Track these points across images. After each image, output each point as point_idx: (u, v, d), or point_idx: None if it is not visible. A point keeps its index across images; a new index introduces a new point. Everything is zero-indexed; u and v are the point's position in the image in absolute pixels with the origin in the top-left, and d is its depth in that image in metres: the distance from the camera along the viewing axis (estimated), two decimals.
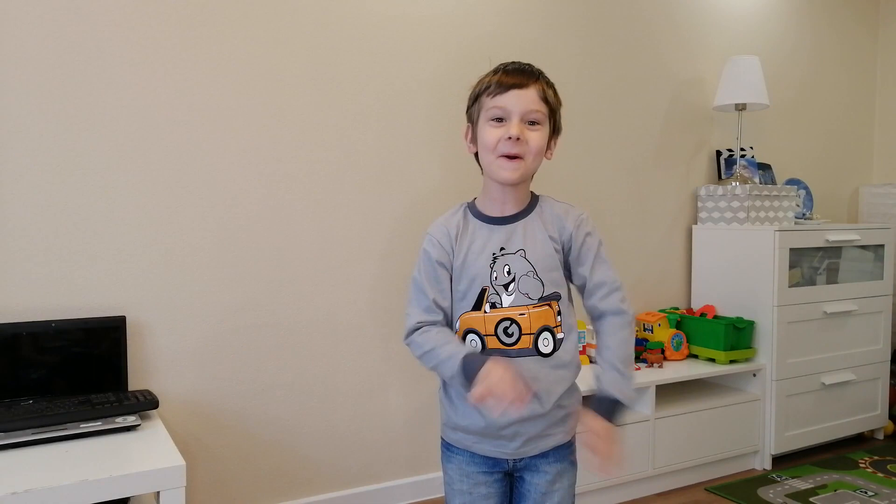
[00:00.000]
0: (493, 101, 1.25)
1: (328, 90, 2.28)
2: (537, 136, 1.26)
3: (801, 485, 2.63)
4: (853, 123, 3.69)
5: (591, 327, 2.73)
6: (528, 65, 1.31)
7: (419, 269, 1.33)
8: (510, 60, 1.32)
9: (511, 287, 1.27)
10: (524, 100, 1.24)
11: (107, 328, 1.92)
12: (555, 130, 1.33)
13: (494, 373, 1.15)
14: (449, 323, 1.32)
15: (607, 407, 1.23)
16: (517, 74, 1.26)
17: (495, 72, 1.29)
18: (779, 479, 2.69)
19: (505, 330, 1.26)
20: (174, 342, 2.07)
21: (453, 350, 1.22)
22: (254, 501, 2.22)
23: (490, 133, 1.25)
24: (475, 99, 1.31)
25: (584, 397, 1.38)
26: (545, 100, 1.27)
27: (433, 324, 1.29)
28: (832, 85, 3.58)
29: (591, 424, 1.21)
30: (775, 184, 3.27)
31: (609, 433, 1.20)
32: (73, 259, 1.94)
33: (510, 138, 1.23)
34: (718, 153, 3.17)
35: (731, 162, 3.13)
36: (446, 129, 2.46)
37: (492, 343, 1.27)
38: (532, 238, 1.30)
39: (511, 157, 1.25)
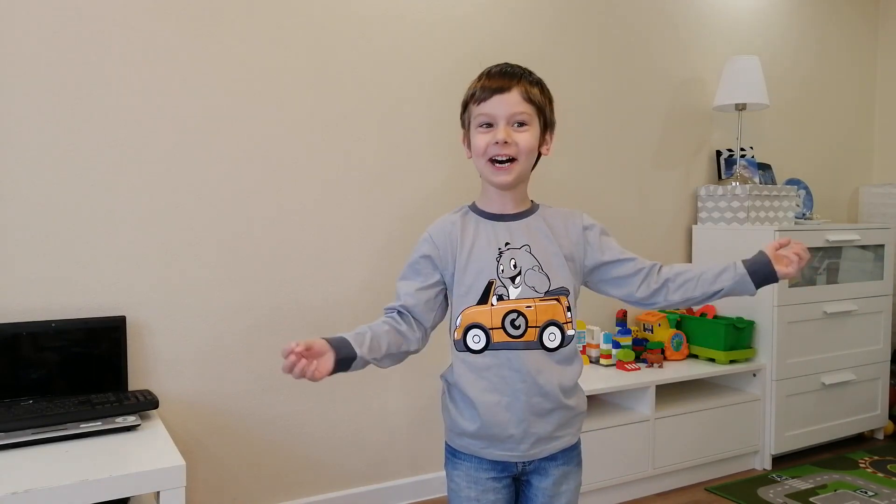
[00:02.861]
0: (479, 109, 1.27)
1: (330, 91, 2.28)
2: (526, 137, 1.27)
3: (801, 485, 2.63)
4: (853, 123, 3.69)
5: (591, 327, 2.75)
6: (511, 66, 1.31)
7: (406, 264, 1.36)
8: (498, 63, 1.32)
9: (518, 280, 1.28)
10: (507, 104, 1.25)
11: (107, 328, 1.92)
12: (547, 126, 1.33)
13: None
14: (408, 314, 1.33)
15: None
16: (499, 78, 1.27)
17: (479, 78, 1.30)
18: (779, 479, 2.69)
19: (512, 322, 1.27)
20: (174, 342, 2.07)
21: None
22: (254, 501, 2.22)
23: (479, 139, 1.28)
24: (464, 106, 1.33)
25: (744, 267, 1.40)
26: (529, 100, 1.27)
27: (390, 310, 1.33)
28: (832, 85, 3.58)
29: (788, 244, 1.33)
30: (775, 184, 3.27)
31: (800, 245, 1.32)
32: (73, 259, 1.94)
33: (498, 143, 1.25)
34: (718, 153, 3.17)
35: (731, 162, 3.13)
36: (448, 132, 2.46)
37: (497, 336, 1.27)
38: (536, 235, 1.31)
39: (503, 161, 1.26)
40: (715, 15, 3.14)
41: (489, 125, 1.27)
